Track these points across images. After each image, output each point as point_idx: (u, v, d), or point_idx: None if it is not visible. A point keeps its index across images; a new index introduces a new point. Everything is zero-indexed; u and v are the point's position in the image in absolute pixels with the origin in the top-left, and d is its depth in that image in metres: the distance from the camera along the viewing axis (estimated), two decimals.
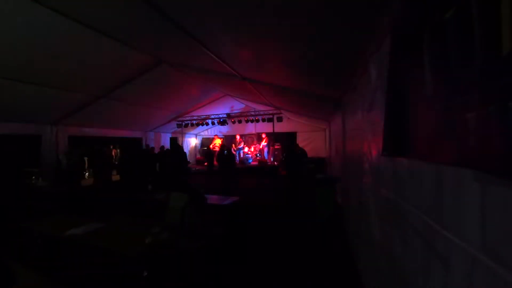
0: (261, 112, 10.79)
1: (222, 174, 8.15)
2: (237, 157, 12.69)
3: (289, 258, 3.59)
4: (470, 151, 0.70)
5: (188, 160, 10.44)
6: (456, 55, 0.79)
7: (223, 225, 3.86)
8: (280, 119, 10.48)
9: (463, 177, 0.83)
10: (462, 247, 0.82)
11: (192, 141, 14.88)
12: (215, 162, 9.45)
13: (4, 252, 3.50)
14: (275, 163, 11.58)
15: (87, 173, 8.86)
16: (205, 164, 11.25)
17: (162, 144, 11.35)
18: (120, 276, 2.73)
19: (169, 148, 11.44)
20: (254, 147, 12.98)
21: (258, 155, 12.56)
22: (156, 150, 9.63)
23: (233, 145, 13.05)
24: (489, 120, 0.61)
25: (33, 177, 6.27)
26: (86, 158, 8.60)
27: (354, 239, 3.49)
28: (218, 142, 13.16)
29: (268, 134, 12.34)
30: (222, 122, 11.54)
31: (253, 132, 13.52)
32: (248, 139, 13.68)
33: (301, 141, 11.74)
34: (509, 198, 0.61)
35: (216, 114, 11.56)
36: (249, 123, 11.67)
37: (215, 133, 14.11)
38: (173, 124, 11.61)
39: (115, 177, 8.87)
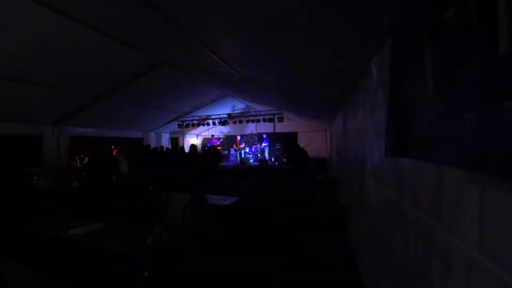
0: (262, 112, 10.79)
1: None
2: (238, 157, 12.71)
3: (290, 258, 3.59)
4: (469, 151, 0.70)
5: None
6: (456, 55, 0.79)
7: (224, 226, 3.86)
8: (281, 119, 10.48)
9: (463, 178, 0.83)
10: (461, 248, 0.82)
11: (193, 142, 14.92)
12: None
13: (5, 252, 3.51)
14: (276, 163, 11.58)
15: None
16: None
17: (161, 144, 11.38)
18: (121, 276, 2.73)
19: (169, 148, 11.46)
20: (255, 147, 12.99)
21: (259, 155, 12.56)
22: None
23: (234, 145, 13.07)
24: (487, 120, 0.61)
25: (35, 177, 6.29)
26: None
27: (355, 240, 3.49)
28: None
29: (269, 134, 12.34)
30: (223, 122, 11.55)
31: (254, 132, 13.54)
32: (249, 139, 13.70)
33: (302, 141, 11.75)
34: (507, 199, 0.62)
35: (217, 114, 11.56)
36: (250, 123, 11.67)
37: (217, 134, 14.13)
38: (174, 124, 11.64)
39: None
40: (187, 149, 12.94)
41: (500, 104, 0.56)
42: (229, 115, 11.73)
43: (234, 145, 13.09)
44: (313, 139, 11.93)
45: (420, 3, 1.09)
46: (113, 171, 6.44)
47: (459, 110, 0.76)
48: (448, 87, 0.86)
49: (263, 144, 12.57)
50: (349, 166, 4.03)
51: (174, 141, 13.35)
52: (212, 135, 13.75)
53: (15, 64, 4.19)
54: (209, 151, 8.46)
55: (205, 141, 14.85)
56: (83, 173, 8.38)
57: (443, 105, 0.89)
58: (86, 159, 8.72)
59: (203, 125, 12.19)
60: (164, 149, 9.65)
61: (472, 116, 0.68)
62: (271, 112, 10.50)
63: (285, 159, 11.53)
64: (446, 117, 0.86)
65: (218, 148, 12.58)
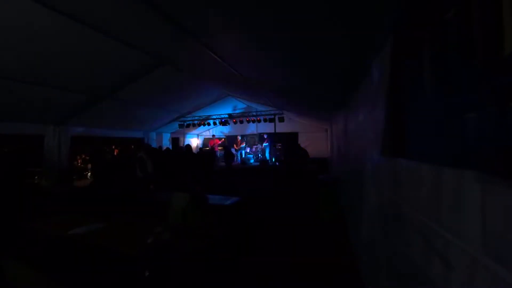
0: (263, 112, 10.78)
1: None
2: (239, 157, 12.70)
3: (292, 258, 3.58)
4: (470, 151, 0.70)
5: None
6: (457, 55, 0.78)
7: (225, 226, 3.86)
8: (281, 119, 10.47)
9: (463, 178, 0.82)
10: (463, 248, 0.82)
11: (193, 142, 14.93)
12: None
13: (6, 252, 3.52)
14: (277, 163, 11.57)
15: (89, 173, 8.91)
16: None
17: (162, 144, 11.39)
18: (122, 276, 2.73)
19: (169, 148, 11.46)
20: (255, 147, 12.99)
21: (259, 155, 12.56)
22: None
23: (235, 145, 13.07)
24: (489, 120, 0.61)
25: (36, 177, 6.30)
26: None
27: (356, 240, 3.49)
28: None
29: (269, 134, 12.34)
30: (224, 122, 11.53)
31: (255, 132, 13.53)
32: (250, 139, 13.70)
33: (302, 142, 11.74)
34: (510, 199, 0.61)
35: (218, 115, 11.55)
36: (251, 123, 11.66)
37: (218, 134, 14.12)
38: (175, 124, 11.64)
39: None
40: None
41: (500, 105, 0.56)
42: (230, 115, 11.71)
43: (235, 145, 13.09)
44: (314, 139, 11.92)
45: (421, 3, 1.09)
46: (117, 171, 6.44)
47: (458, 110, 0.76)
48: (447, 87, 0.86)
49: (264, 144, 12.57)
50: (350, 166, 4.02)
51: (175, 141, 13.35)
52: (213, 135, 13.75)
53: (16, 64, 4.19)
54: (204, 152, 8.46)
55: (206, 141, 14.85)
56: (85, 173, 8.40)
57: (442, 105, 0.89)
58: (87, 159, 8.74)
59: (204, 125, 12.18)
60: (164, 149, 9.66)
61: (471, 116, 0.68)
62: (272, 112, 10.49)
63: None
64: (445, 117, 0.86)
65: (219, 148, 12.61)
